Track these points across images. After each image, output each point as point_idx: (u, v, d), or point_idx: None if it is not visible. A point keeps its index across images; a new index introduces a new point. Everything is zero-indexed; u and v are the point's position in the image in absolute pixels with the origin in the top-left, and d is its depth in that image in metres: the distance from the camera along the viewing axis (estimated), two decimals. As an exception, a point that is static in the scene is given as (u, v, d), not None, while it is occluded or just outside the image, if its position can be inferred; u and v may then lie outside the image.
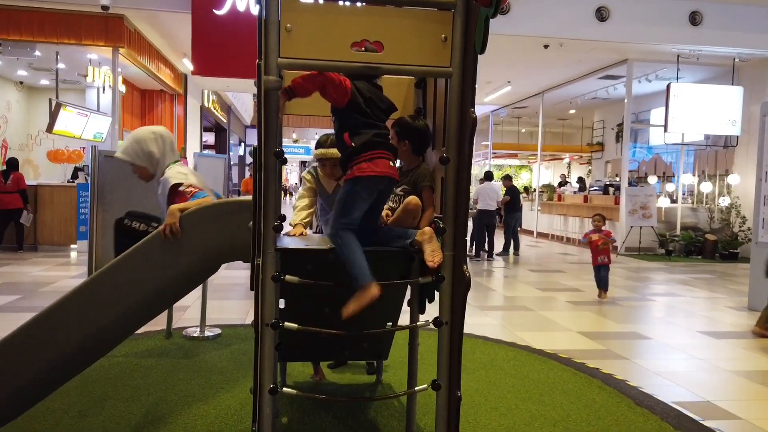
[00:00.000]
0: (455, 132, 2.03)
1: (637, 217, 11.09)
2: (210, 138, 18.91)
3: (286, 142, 24.36)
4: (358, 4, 2.05)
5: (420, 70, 2.15)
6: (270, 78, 1.89)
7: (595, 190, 14.13)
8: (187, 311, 5.27)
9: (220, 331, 4.55)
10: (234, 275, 7.15)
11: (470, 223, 9.20)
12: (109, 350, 2.82)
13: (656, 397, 3.41)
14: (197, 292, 4.42)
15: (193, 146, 13.97)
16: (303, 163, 33.21)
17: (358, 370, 3.73)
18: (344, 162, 2.19)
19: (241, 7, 8.38)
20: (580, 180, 16.60)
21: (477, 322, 5.19)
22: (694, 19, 9.66)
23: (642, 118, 14.50)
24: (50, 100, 9.57)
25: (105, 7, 8.44)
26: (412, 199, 2.37)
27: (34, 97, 13.65)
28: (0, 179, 9.10)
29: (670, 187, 12.98)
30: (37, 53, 9.21)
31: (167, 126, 13.30)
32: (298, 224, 2.78)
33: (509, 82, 13.59)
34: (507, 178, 11.57)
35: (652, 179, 13.51)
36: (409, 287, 2.62)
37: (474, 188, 10.47)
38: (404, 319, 2.74)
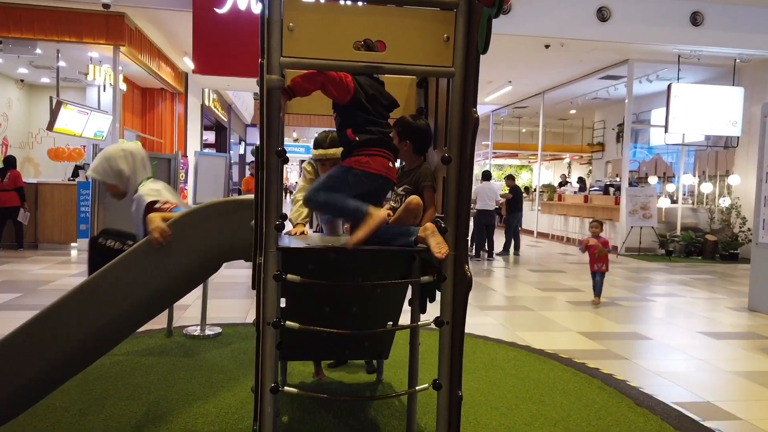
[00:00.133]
0: (457, 132, 2.03)
1: (638, 217, 11.09)
2: (210, 137, 18.91)
3: (286, 141, 24.27)
4: (360, 3, 2.04)
5: (422, 70, 2.15)
6: (272, 77, 1.89)
7: (596, 190, 14.13)
8: (187, 310, 5.27)
9: (220, 330, 4.55)
10: (234, 274, 7.15)
11: (470, 223, 9.19)
12: (110, 349, 2.82)
13: (656, 398, 3.41)
14: (198, 290, 4.42)
15: (193, 145, 13.98)
16: (303, 162, 33.15)
17: (358, 370, 3.73)
18: (345, 154, 2.20)
19: (242, 6, 8.37)
20: (581, 180, 16.60)
21: (477, 321, 5.19)
22: (695, 19, 9.66)
23: (643, 119, 14.50)
24: (51, 98, 9.57)
25: (106, 5, 8.43)
26: (414, 198, 2.36)
27: (34, 95, 13.65)
28: None
29: (670, 187, 12.98)
30: (38, 51, 9.20)
31: (168, 124, 13.34)
32: (298, 224, 2.78)
33: (510, 81, 13.59)
34: (510, 178, 11.58)
35: (653, 179, 13.51)
36: (410, 287, 2.62)
37: (473, 188, 10.47)
38: (405, 318, 2.74)
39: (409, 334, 2.67)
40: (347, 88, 2.08)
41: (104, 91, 10.73)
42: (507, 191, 11.13)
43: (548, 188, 16.77)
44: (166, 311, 4.36)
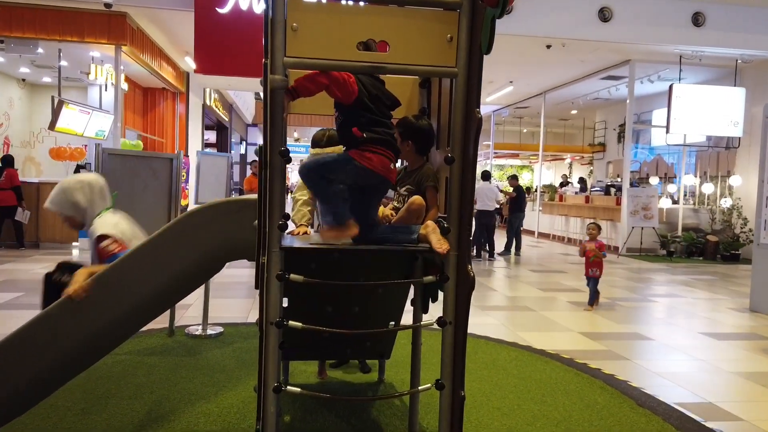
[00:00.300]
0: (460, 132, 2.04)
1: (639, 217, 11.08)
2: (211, 136, 18.92)
3: (287, 141, 24.31)
4: (361, 3, 2.04)
5: (425, 70, 2.15)
6: (276, 77, 1.89)
7: (597, 190, 14.13)
8: (189, 309, 5.27)
9: (222, 330, 4.55)
10: (236, 274, 7.15)
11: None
12: (113, 349, 2.82)
13: (658, 398, 3.41)
14: (199, 290, 4.40)
15: (194, 144, 13.99)
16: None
17: (359, 369, 3.74)
18: (350, 148, 2.21)
19: (243, 6, 8.37)
20: (582, 180, 16.60)
21: (478, 322, 5.19)
22: (697, 20, 9.65)
23: (644, 119, 14.49)
24: (53, 97, 9.57)
25: (108, 5, 8.44)
26: (416, 198, 2.37)
27: (36, 94, 13.66)
28: None
29: (671, 188, 12.98)
30: (40, 50, 9.21)
31: (169, 124, 13.35)
32: (301, 224, 2.78)
33: (511, 82, 13.58)
34: (513, 178, 11.58)
35: (654, 180, 13.51)
36: (412, 287, 2.62)
37: (474, 188, 10.47)
38: (407, 318, 2.74)
39: (412, 334, 2.67)
40: (351, 89, 2.08)
41: (106, 90, 10.73)
42: (510, 191, 11.13)
43: (549, 188, 16.75)
44: (168, 310, 4.36)
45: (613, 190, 12.78)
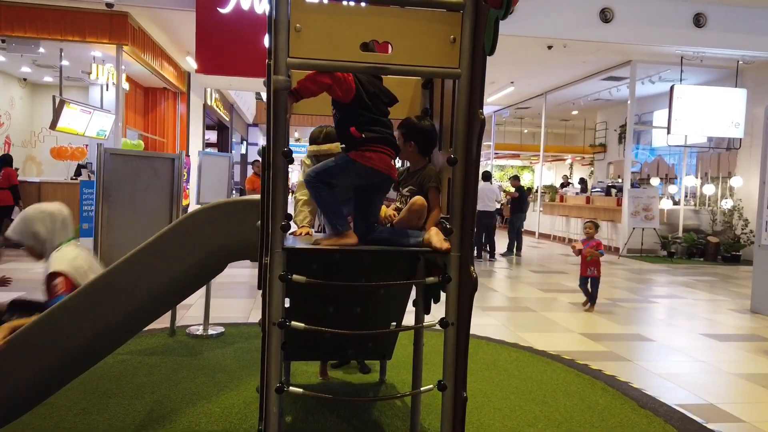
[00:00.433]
0: (463, 133, 2.03)
1: (640, 218, 11.08)
2: (212, 136, 18.92)
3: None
4: (363, 4, 2.04)
5: (428, 71, 2.15)
6: (279, 78, 1.89)
7: (597, 191, 14.12)
8: (190, 309, 5.27)
9: (223, 330, 4.55)
10: (237, 273, 7.16)
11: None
12: (115, 349, 2.82)
13: (659, 400, 3.41)
14: (200, 290, 4.41)
15: (195, 144, 13.99)
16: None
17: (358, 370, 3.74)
18: (350, 149, 2.22)
19: (245, 6, 8.37)
20: (582, 181, 16.59)
21: (479, 322, 5.19)
22: (698, 21, 9.65)
23: (645, 120, 14.48)
24: (54, 97, 9.57)
25: (109, 5, 8.43)
26: (418, 199, 2.37)
27: (37, 93, 13.67)
28: None
29: (672, 189, 12.97)
30: (42, 50, 9.21)
31: (170, 124, 13.35)
32: (303, 225, 2.78)
33: (512, 82, 13.58)
34: (515, 179, 11.58)
35: (655, 181, 13.50)
36: (413, 287, 2.62)
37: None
38: (409, 319, 2.74)
39: (414, 335, 2.67)
40: (350, 87, 2.11)
41: (107, 90, 10.74)
42: (512, 191, 11.13)
43: (550, 189, 16.74)
44: (169, 310, 4.36)
45: (613, 191, 12.77)
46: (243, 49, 8.37)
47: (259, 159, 7.78)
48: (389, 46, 2.00)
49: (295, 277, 2.00)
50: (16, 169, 11.03)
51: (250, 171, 21.22)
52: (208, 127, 16.57)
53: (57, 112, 9.28)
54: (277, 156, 1.95)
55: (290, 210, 2.20)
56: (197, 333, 4.44)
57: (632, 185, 11.96)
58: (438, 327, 2.10)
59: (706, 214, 12.10)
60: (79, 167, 11.11)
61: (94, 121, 9.89)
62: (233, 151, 19.25)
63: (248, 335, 4.48)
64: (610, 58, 10.94)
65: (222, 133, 18.92)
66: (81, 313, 2.46)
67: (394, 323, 2.99)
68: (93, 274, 2.79)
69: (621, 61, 11.16)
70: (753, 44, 9.82)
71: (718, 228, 11.74)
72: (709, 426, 3.08)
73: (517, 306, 6.21)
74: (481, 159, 2.06)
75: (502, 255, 10.61)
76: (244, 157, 22.13)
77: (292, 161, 1.98)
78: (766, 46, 9.89)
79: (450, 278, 2.07)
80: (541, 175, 17.28)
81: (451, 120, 2.22)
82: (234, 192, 11.08)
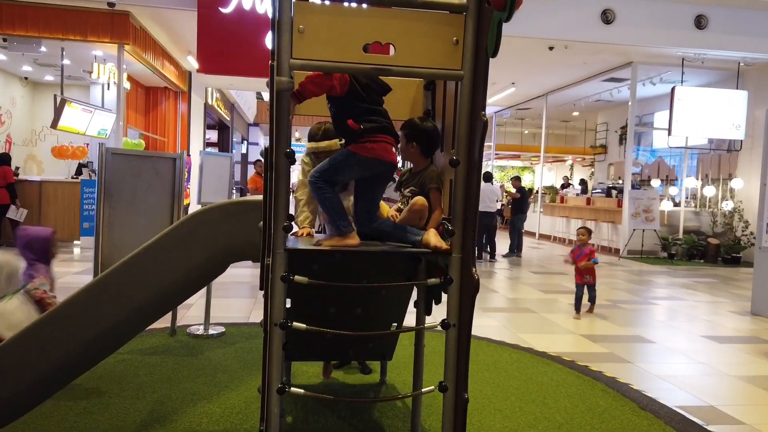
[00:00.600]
0: (465, 135, 2.04)
1: (640, 220, 11.08)
2: (213, 135, 18.92)
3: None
4: (364, 5, 2.04)
5: (431, 73, 2.15)
6: (282, 79, 1.89)
7: (598, 192, 14.12)
8: (190, 309, 5.27)
9: (224, 330, 4.55)
10: (237, 273, 7.16)
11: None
12: (116, 349, 2.83)
13: (660, 401, 3.41)
14: (201, 290, 4.43)
15: (196, 144, 13.99)
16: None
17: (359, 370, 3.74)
18: (350, 141, 2.24)
19: (246, 6, 8.37)
20: (582, 182, 16.59)
21: (480, 323, 5.19)
22: (700, 22, 9.65)
23: (646, 121, 14.48)
24: (55, 95, 9.58)
25: (111, 4, 8.44)
26: (418, 199, 2.37)
27: (38, 92, 13.67)
28: None
29: (673, 190, 12.97)
30: (43, 49, 9.20)
31: (171, 123, 13.35)
32: (304, 226, 2.78)
33: (513, 83, 13.58)
34: (516, 179, 11.58)
35: (655, 182, 13.49)
36: (415, 288, 2.62)
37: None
38: (410, 319, 2.74)
39: (415, 336, 2.67)
40: (344, 80, 2.15)
41: (108, 89, 10.74)
42: (513, 191, 11.14)
43: (550, 190, 16.73)
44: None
45: (614, 192, 12.77)
46: (244, 48, 8.38)
47: (261, 159, 7.77)
48: (390, 47, 2.00)
49: (297, 278, 2.00)
50: (16, 168, 11.05)
51: (250, 170, 21.26)
52: (208, 126, 16.57)
53: (58, 111, 9.28)
54: (279, 157, 1.95)
55: (290, 210, 2.20)
56: (198, 333, 4.44)
57: (633, 186, 11.96)
58: (439, 328, 2.11)
59: (707, 216, 12.10)
60: (80, 166, 11.11)
61: (95, 120, 9.89)
62: (234, 151, 19.25)
63: (249, 335, 4.49)
64: (611, 59, 10.94)
65: (223, 132, 18.91)
66: (83, 313, 2.47)
67: (395, 324, 2.99)
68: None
69: (622, 62, 11.16)
70: (754, 46, 9.82)
71: (718, 230, 11.74)
72: (710, 428, 3.08)
73: (517, 307, 6.22)
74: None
75: (504, 256, 10.61)
76: (244, 156, 22.14)
77: (294, 162, 1.99)
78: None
79: (452, 279, 2.08)
80: (542, 175, 17.28)
81: (453, 121, 2.23)
82: (234, 191, 11.07)
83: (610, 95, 13.98)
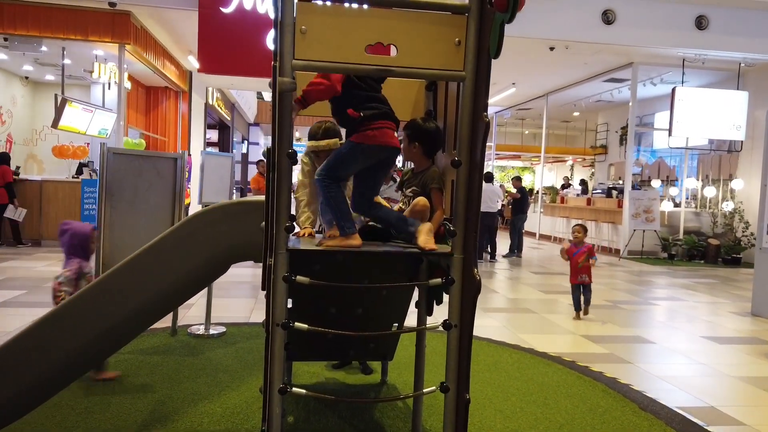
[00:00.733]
0: (467, 136, 2.04)
1: (641, 220, 11.09)
2: (213, 135, 18.92)
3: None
4: (365, 6, 2.05)
5: (433, 74, 2.15)
6: (285, 80, 1.89)
7: (598, 193, 14.11)
8: (191, 309, 5.28)
9: (224, 329, 4.56)
10: (238, 273, 7.16)
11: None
12: (118, 349, 2.83)
13: (660, 402, 3.41)
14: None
15: (196, 143, 13.99)
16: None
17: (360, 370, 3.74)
18: (351, 131, 2.25)
19: (247, 6, 8.37)
20: (583, 182, 16.58)
21: (480, 323, 5.19)
22: (700, 23, 9.65)
23: (646, 122, 14.48)
24: (56, 95, 9.58)
25: (112, 4, 8.45)
26: (420, 200, 2.38)
27: (39, 92, 13.67)
28: None
29: (673, 191, 12.97)
30: (44, 48, 9.21)
31: (171, 123, 13.36)
32: (306, 227, 2.78)
33: (514, 83, 13.58)
34: (517, 179, 11.59)
35: (656, 183, 13.49)
36: (416, 288, 2.62)
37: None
38: (411, 319, 2.74)
39: (416, 337, 2.68)
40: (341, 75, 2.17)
41: (109, 89, 10.74)
42: (514, 192, 11.14)
43: (551, 190, 16.73)
44: (171, 310, 4.37)
45: (614, 192, 12.77)
46: (245, 48, 8.38)
47: (264, 159, 7.78)
48: (391, 48, 2.01)
49: (299, 278, 2.01)
50: (17, 168, 11.05)
51: (251, 170, 21.27)
52: (209, 126, 16.58)
53: (59, 111, 9.29)
54: (281, 157, 1.96)
55: (292, 211, 2.21)
56: (199, 333, 4.45)
57: (633, 187, 11.96)
58: (440, 329, 2.11)
59: (707, 217, 12.10)
60: (81, 166, 11.11)
61: (95, 119, 9.90)
62: (234, 151, 19.25)
63: (250, 335, 4.49)
64: (612, 59, 10.95)
65: (223, 132, 18.92)
66: (85, 313, 2.47)
67: (396, 324, 3.00)
68: None
69: (622, 62, 11.16)
70: (755, 47, 9.83)
71: (718, 230, 11.75)
72: (710, 429, 3.08)
73: (517, 307, 6.22)
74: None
75: (504, 256, 10.61)
76: (244, 156, 22.15)
77: (296, 162, 1.99)
78: (768, 49, 9.91)
79: (453, 280, 2.08)
80: (542, 176, 17.28)
81: (455, 122, 2.23)
82: (234, 191, 11.07)
83: (611, 95, 13.99)
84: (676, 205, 12.43)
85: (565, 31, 9.47)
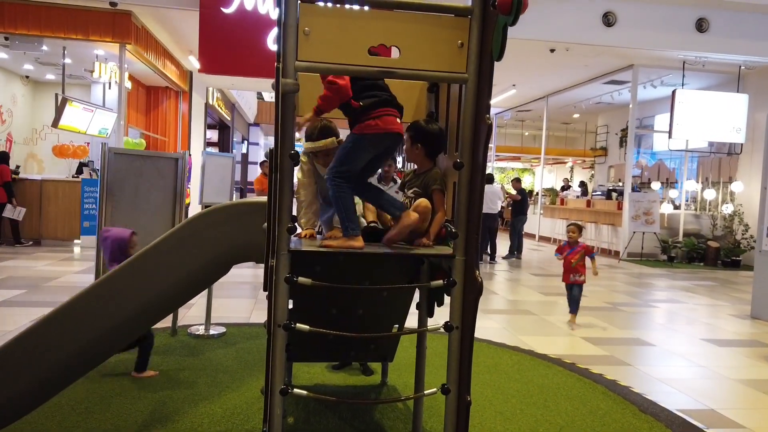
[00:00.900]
0: (469, 138, 2.04)
1: (640, 222, 11.09)
2: (213, 135, 18.92)
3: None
4: (366, 8, 2.05)
5: (436, 76, 2.16)
6: (288, 81, 1.90)
7: (598, 194, 14.11)
8: (191, 309, 5.27)
9: (224, 330, 4.56)
10: (239, 274, 7.15)
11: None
12: (119, 350, 2.83)
13: (660, 405, 3.42)
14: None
15: (196, 143, 13.99)
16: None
17: (360, 372, 3.74)
18: (354, 123, 2.26)
19: (248, 6, 8.38)
20: (582, 184, 16.59)
21: (480, 325, 5.15)
22: (701, 25, 9.66)
23: (646, 124, 14.49)
24: (56, 95, 9.58)
25: (113, 3, 8.45)
26: (422, 201, 2.38)
27: (39, 91, 13.67)
28: None
29: (673, 193, 12.98)
30: (44, 48, 9.21)
31: (172, 123, 13.36)
32: (307, 228, 2.78)
33: (514, 85, 13.59)
34: (517, 181, 11.59)
35: (656, 185, 13.49)
36: (417, 290, 2.63)
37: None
38: (412, 321, 2.75)
39: (417, 338, 2.68)
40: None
41: (109, 88, 10.74)
42: (514, 193, 11.14)
43: (550, 192, 16.73)
44: (171, 310, 4.36)
45: (614, 194, 12.78)
46: (246, 48, 8.39)
47: (267, 160, 7.75)
48: (392, 49, 2.01)
49: (300, 279, 2.01)
50: (17, 167, 11.05)
51: (251, 170, 21.28)
52: (209, 126, 16.58)
53: (59, 110, 9.28)
54: (284, 158, 1.96)
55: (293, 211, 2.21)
56: (199, 333, 4.44)
57: (633, 189, 11.97)
58: (442, 330, 2.11)
59: (707, 219, 12.11)
60: (81, 165, 11.11)
61: (96, 119, 9.89)
62: (234, 151, 19.25)
63: (250, 335, 4.49)
64: (612, 61, 10.96)
65: (223, 132, 18.92)
66: (86, 314, 2.47)
67: (397, 326, 3.00)
68: None
69: (623, 65, 11.17)
70: (755, 50, 9.84)
71: (718, 233, 11.75)
72: (710, 431, 3.08)
73: (517, 309, 6.22)
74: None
75: (504, 258, 10.62)
76: (245, 156, 22.16)
77: (298, 163, 2.00)
78: (768, 52, 9.92)
79: (455, 282, 2.08)
80: (542, 177, 17.29)
81: (457, 124, 2.23)
82: (234, 191, 11.06)
83: (611, 98, 14.00)
84: (676, 207, 12.43)
85: (566, 33, 9.48)
